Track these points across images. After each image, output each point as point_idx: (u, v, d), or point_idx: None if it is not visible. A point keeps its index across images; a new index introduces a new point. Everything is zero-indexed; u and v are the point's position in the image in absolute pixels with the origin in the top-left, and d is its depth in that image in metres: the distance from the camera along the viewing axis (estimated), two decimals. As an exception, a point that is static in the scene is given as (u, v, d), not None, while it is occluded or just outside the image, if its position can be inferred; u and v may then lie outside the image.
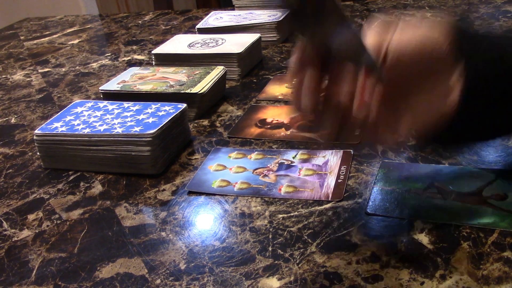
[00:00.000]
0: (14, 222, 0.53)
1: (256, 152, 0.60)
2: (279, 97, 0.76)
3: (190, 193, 0.54)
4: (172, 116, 0.60)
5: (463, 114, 0.43)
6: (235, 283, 0.41)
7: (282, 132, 0.65)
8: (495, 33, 0.45)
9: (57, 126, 0.61)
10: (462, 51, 0.42)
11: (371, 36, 0.41)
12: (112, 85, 0.75)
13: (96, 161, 0.60)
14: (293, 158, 0.58)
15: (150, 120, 0.59)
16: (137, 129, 0.58)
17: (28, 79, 0.97)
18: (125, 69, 0.90)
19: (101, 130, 0.58)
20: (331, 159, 0.56)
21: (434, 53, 0.42)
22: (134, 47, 1.09)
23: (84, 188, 0.58)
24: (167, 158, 0.60)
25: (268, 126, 0.67)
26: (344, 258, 0.42)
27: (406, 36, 0.41)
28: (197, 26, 1.03)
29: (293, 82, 0.41)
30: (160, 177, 0.58)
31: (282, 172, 0.55)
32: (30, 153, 0.67)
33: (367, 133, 0.42)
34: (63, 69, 1.00)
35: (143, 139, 0.57)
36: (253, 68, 0.88)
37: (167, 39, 0.96)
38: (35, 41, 1.24)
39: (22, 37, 1.30)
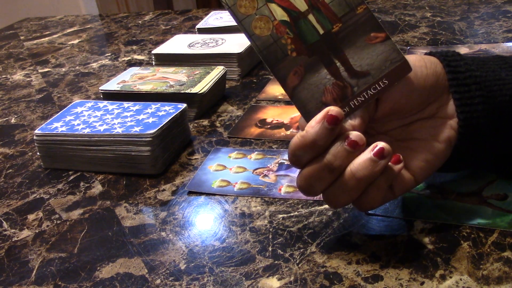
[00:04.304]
0: (14, 222, 0.53)
1: (256, 152, 0.60)
2: (279, 97, 0.76)
3: (190, 193, 0.54)
4: (172, 116, 0.60)
5: (461, 149, 0.43)
6: (235, 283, 0.41)
7: (282, 132, 0.65)
8: (485, 59, 0.45)
9: (57, 126, 0.61)
10: (452, 85, 0.43)
11: None
12: (112, 85, 0.75)
13: (96, 161, 0.60)
14: (293, 158, 0.58)
15: (150, 120, 0.59)
16: (137, 129, 0.58)
17: (28, 79, 0.97)
18: (125, 69, 0.90)
19: (101, 130, 0.58)
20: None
21: (427, 85, 0.42)
22: (134, 47, 1.09)
23: (84, 188, 0.58)
24: (167, 158, 0.60)
25: (268, 126, 0.67)
26: (344, 258, 0.42)
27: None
28: (197, 26, 1.03)
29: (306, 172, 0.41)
30: (160, 177, 0.58)
31: (282, 172, 0.55)
32: (30, 153, 0.67)
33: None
34: (63, 69, 1.00)
35: (143, 139, 0.57)
36: (253, 68, 0.88)
37: (167, 39, 0.96)
38: (35, 41, 1.24)
39: (22, 37, 1.30)
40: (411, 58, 0.42)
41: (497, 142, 0.44)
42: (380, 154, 0.39)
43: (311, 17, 0.41)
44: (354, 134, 0.39)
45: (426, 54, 0.45)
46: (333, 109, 0.39)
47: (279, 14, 0.41)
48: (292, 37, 0.41)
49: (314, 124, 0.39)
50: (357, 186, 0.39)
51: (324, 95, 0.41)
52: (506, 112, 0.42)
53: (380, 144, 0.39)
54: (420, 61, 0.42)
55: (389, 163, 0.40)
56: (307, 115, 0.41)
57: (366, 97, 0.41)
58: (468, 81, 0.42)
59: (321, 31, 0.41)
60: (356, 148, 0.39)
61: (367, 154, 0.39)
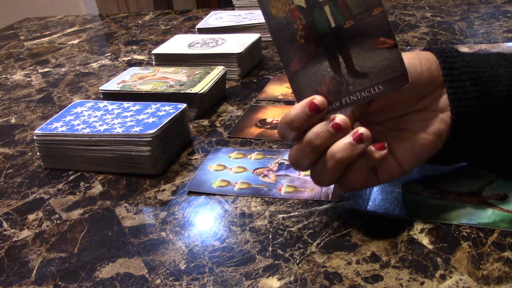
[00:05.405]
0: (14, 222, 0.53)
1: (256, 152, 0.60)
2: (279, 97, 0.76)
3: (190, 193, 0.54)
4: (172, 116, 0.60)
5: (453, 142, 0.43)
6: (235, 283, 0.41)
7: (282, 132, 0.65)
8: (485, 55, 0.46)
9: (57, 126, 0.61)
10: (447, 81, 0.43)
11: None
12: (112, 85, 0.75)
13: (96, 161, 0.60)
14: (293, 158, 0.58)
15: (150, 120, 0.59)
16: (137, 129, 0.58)
17: (28, 79, 0.97)
18: (125, 69, 0.90)
19: (101, 130, 0.58)
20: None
21: (420, 82, 0.43)
22: (134, 47, 1.09)
23: (84, 188, 0.58)
24: (167, 158, 0.60)
25: (268, 126, 0.67)
26: (344, 258, 0.42)
27: None
28: (197, 26, 1.03)
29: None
30: (160, 177, 0.58)
31: (282, 172, 0.55)
32: (30, 153, 0.67)
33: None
34: (63, 69, 1.00)
35: (143, 139, 0.57)
36: (253, 68, 0.88)
37: (167, 39, 0.96)
38: (35, 41, 1.24)
39: (22, 37, 1.30)
40: (406, 55, 0.42)
41: (494, 141, 0.44)
42: (359, 139, 0.40)
43: (326, 8, 0.41)
44: (340, 118, 0.41)
45: (425, 48, 0.46)
46: (318, 98, 0.41)
47: None
48: (304, 23, 0.41)
49: (298, 107, 0.41)
50: (336, 166, 0.41)
51: (320, 86, 0.42)
52: (503, 108, 0.43)
53: (361, 130, 0.40)
54: (415, 58, 0.43)
55: (373, 148, 0.42)
56: (301, 100, 0.42)
57: (359, 97, 0.42)
58: (463, 77, 0.43)
59: (333, 25, 0.41)
60: (339, 131, 0.41)
61: (347, 138, 0.41)
